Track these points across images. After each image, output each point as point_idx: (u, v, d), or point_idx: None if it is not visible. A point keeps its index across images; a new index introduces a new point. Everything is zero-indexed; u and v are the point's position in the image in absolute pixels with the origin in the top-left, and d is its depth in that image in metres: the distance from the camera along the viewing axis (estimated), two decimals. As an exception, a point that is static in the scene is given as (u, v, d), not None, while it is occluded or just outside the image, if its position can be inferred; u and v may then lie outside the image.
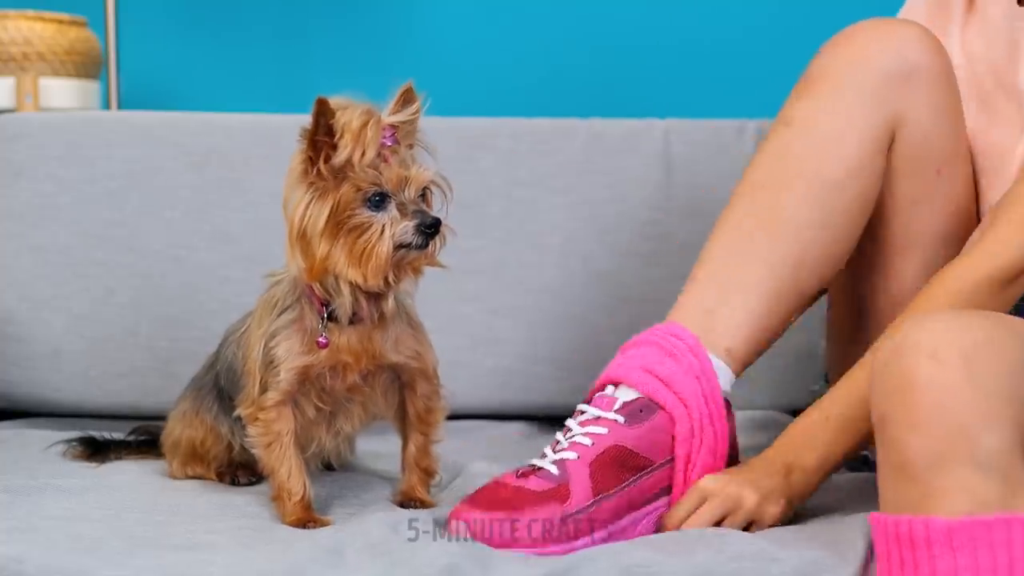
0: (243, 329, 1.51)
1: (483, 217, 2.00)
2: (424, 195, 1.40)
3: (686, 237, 2.00)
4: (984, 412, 1.11)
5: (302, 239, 1.37)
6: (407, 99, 1.40)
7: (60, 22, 2.27)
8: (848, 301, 1.57)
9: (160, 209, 1.98)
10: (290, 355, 1.42)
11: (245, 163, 1.99)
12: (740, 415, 1.89)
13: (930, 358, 1.13)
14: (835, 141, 1.44)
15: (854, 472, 1.65)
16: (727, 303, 1.42)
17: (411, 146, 1.41)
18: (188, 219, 1.98)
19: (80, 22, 2.30)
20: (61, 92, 2.25)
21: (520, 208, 2.01)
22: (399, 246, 1.36)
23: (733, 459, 1.43)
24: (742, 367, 1.44)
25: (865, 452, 1.70)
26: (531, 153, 2.02)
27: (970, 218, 1.53)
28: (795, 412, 1.91)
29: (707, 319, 1.42)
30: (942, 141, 1.49)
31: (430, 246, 1.37)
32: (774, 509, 1.37)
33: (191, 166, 2.00)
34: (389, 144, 1.37)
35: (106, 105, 2.39)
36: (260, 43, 2.48)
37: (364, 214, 1.36)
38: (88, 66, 2.29)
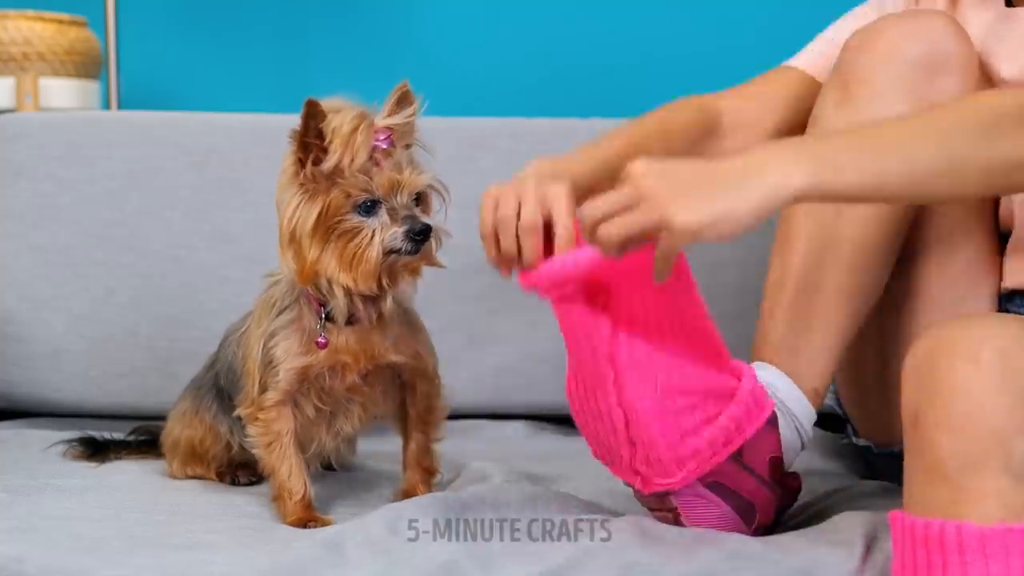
0: (243, 329, 1.51)
1: (483, 217, 1.99)
2: (421, 197, 1.40)
3: (686, 237, 2.00)
4: (1019, 418, 1.10)
5: (292, 241, 1.37)
6: (403, 99, 1.40)
7: (60, 22, 2.27)
8: None
9: (160, 209, 1.98)
10: (289, 355, 1.42)
11: (245, 163, 1.99)
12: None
13: (970, 361, 1.11)
14: None
15: (847, 480, 1.65)
16: (808, 339, 1.41)
17: (408, 147, 1.41)
18: (188, 219, 1.98)
19: (80, 22, 2.30)
20: (61, 92, 2.25)
21: (520, 208, 2.00)
22: (389, 251, 1.36)
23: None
24: (822, 402, 1.44)
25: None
26: (531, 153, 1.99)
27: (991, 214, 1.52)
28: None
29: (793, 357, 1.41)
30: None
31: (423, 250, 1.37)
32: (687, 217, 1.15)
33: (191, 166, 2.00)
34: (384, 147, 1.37)
35: (106, 105, 2.39)
36: (260, 43, 2.48)
37: (354, 219, 1.36)
38: (88, 66, 2.29)
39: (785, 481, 1.40)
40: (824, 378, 1.42)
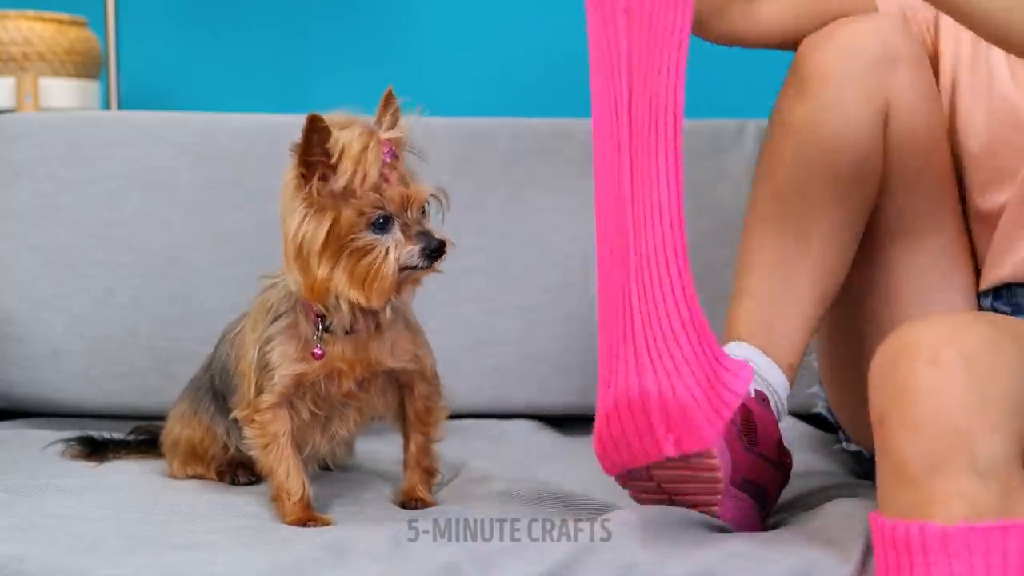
0: (238, 329, 1.51)
1: (483, 217, 2.00)
2: (423, 205, 1.39)
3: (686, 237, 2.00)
4: (983, 419, 1.12)
5: (299, 257, 1.36)
6: (391, 105, 1.38)
7: (60, 22, 2.27)
8: (839, 295, 1.58)
9: (160, 209, 1.98)
10: (285, 360, 1.42)
11: (245, 163, 1.99)
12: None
13: (930, 362, 1.13)
14: (842, 141, 1.46)
15: (848, 485, 1.65)
16: (781, 317, 1.45)
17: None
18: (188, 219, 1.98)
19: (80, 22, 2.30)
20: (61, 92, 2.25)
21: (520, 208, 2.01)
22: (404, 268, 1.36)
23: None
24: (795, 377, 1.47)
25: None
26: (531, 153, 2.02)
27: (955, 207, 1.54)
28: (795, 413, 1.91)
29: (767, 334, 1.44)
30: (927, 127, 1.51)
31: (435, 264, 1.37)
32: None
33: (191, 166, 2.00)
34: (388, 160, 1.36)
35: (106, 105, 2.39)
36: (260, 43, 2.48)
37: (367, 237, 1.35)
38: (88, 66, 2.29)
39: (783, 459, 1.42)
40: (798, 354, 1.46)
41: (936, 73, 1.57)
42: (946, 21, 1.57)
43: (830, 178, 1.46)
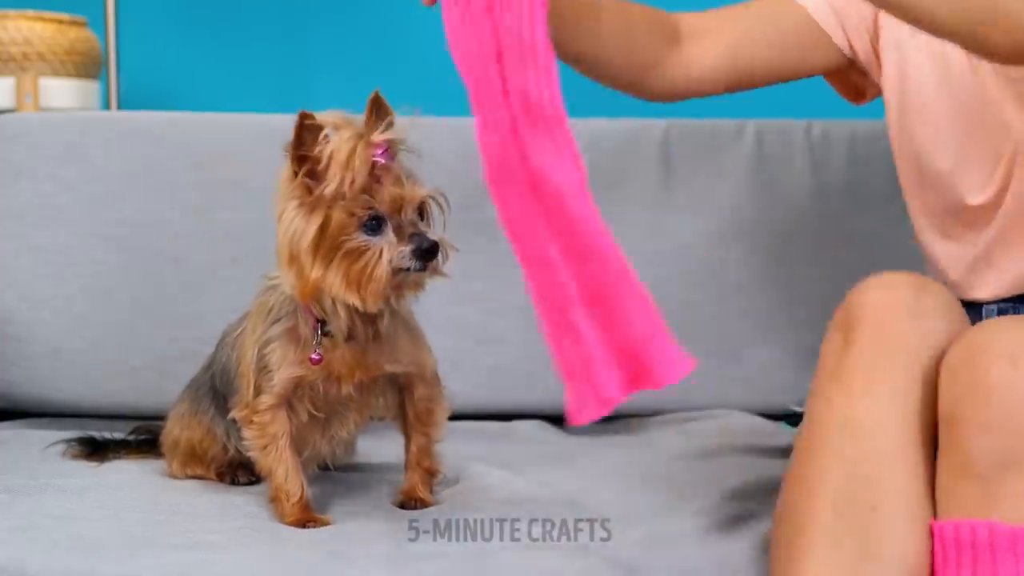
0: (239, 331, 1.51)
1: (483, 217, 1.98)
2: (421, 208, 1.38)
3: (686, 237, 2.00)
4: None
5: (292, 258, 1.35)
6: (379, 109, 1.37)
7: (60, 22, 2.27)
8: None
9: (160, 209, 1.98)
10: (283, 363, 1.42)
11: (245, 163, 1.99)
12: (741, 418, 1.90)
13: (1007, 361, 1.13)
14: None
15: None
16: None
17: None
18: (188, 219, 1.98)
19: (80, 22, 2.30)
20: (61, 92, 2.25)
21: (520, 208, 2.00)
22: (397, 270, 1.35)
23: None
24: None
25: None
26: (531, 153, 2.02)
27: None
28: (794, 413, 1.91)
29: None
30: None
31: (431, 265, 1.36)
32: None
33: (191, 166, 2.00)
34: (382, 162, 1.35)
35: (106, 105, 2.39)
36: (260, 43, 2.48)
37: (359, 238, 1.34)
38: (88, 66, 2.30)
39: None
40: None
41: (878, 77, 1.53)
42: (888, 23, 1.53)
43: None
